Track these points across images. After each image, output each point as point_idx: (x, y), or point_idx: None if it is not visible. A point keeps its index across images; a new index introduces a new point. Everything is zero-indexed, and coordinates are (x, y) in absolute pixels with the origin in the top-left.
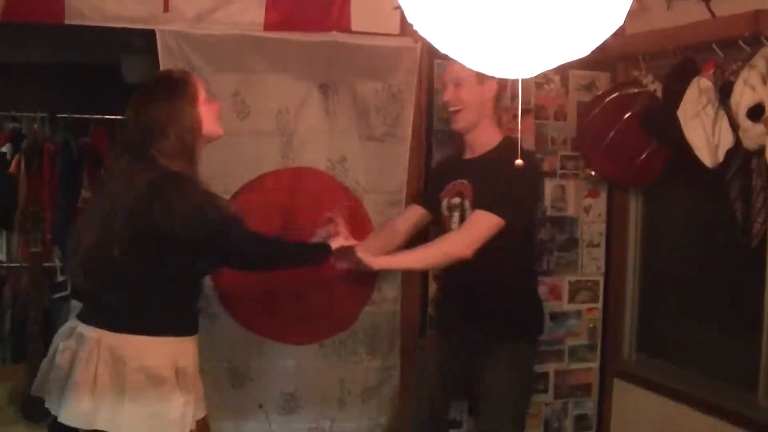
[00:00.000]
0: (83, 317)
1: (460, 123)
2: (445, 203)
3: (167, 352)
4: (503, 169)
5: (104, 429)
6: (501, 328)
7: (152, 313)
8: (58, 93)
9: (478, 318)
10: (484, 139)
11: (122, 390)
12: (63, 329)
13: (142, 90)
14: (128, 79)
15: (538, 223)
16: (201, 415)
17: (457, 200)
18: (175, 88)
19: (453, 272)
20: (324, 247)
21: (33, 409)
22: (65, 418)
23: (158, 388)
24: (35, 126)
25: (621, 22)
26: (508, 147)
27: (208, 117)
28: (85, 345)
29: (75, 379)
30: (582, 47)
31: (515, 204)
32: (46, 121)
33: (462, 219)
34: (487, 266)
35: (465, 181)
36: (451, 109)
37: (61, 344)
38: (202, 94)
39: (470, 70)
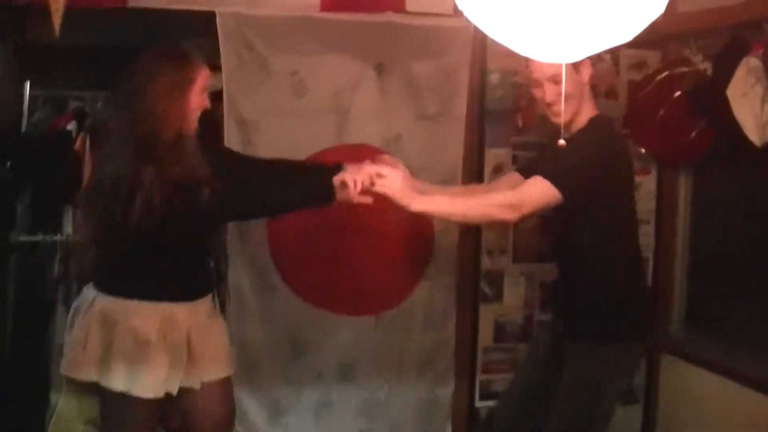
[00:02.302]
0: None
1: (564, 117)
2: None
3: (156, 317)
4: (579, 143)
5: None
6: (579, 324)
7: (144, 278)
8: (121, 72)
9: (563, 308)
10: (580, 120)
11: (110, 348)
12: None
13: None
14: None
15: (630, 214)
16: (204, 378)
17: None
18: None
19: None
20: (323, 184)
21: None
22: (63, 367)
23: (143, 348)
24: (98, 105)
25: (663, 9)
26: (594, 125)
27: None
28: (83, 305)
29: (73, 335)
30: (626, 32)
31: (578, 178)
32: (109, 99)
33: None
34: (578, 252)
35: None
36: (553, 108)
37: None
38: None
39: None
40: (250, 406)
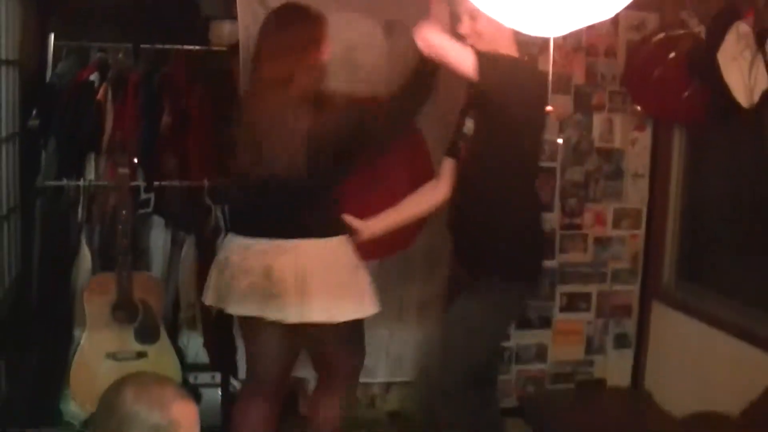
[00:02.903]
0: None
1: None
2: None
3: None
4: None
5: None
6: (467, 261)
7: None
8: (141, 26)
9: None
10: None
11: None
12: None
13: None
14: (206, 11)
15: (529, 158)
16: None
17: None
18: None
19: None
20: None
21: (121, 312)
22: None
23: None
24: (120, 56)
25: None
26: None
27: None
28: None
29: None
30: (608, 9)
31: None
32: (130, 52)
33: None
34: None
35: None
36: (469, 42)
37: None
38: None
39: None
40: None
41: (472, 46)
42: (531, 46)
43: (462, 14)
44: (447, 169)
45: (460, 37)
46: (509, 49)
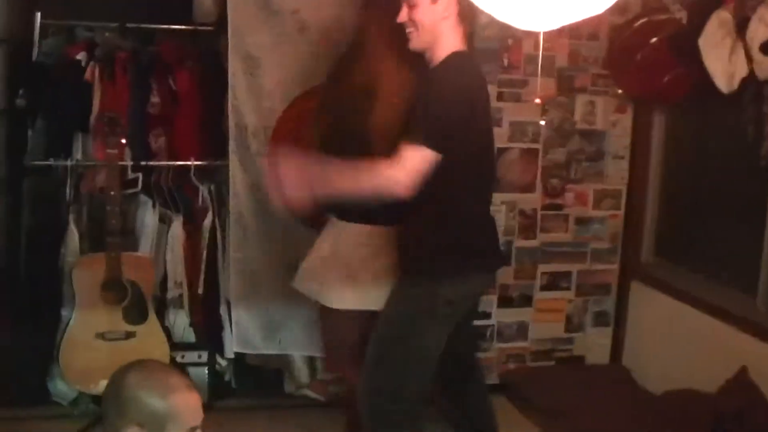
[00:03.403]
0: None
1: (414, 44)
2: None
3: None
4: (429, 89)
5: None
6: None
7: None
8: (128, 4)
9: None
10: (437, 55)
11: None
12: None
13: None
14: None
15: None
16: None
17: None
18: None
19: None
20: None
21: (110, 293)
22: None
23: None
24: (107, 35)
25: None
26: (446, 64)
27: None
28: None
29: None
30: (599, 4)
31: (442, 130)
32: (117, 31)
33: None
34: None
35: None
36: (407, 30)
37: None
38: None
39: None
40: (248, 324)
41: (410, 35)
42: (516, 29)
43: (401, 3)
44: (414, 157)
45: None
46: (450, 38)
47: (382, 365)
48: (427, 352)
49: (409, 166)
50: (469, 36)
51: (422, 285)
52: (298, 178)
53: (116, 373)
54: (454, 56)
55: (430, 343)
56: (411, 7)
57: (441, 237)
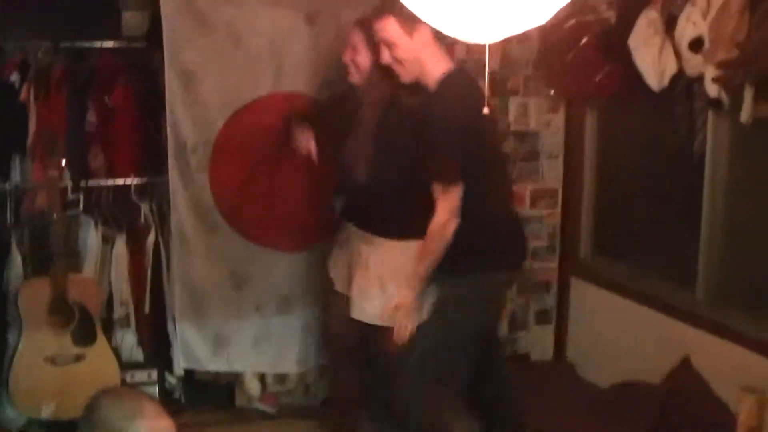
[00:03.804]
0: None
1: (404, 78)
2: None
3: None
4: (435, 116)
5: None
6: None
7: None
8: (60, 22)
9: None
10: (429, 81)
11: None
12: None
13: None
14: (123, 6)
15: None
16: None
17: None
18: None
19: None
20: None
21: (57, 316)
22: None
23: None
24: (39, 54)
25: None
26: (442, 89)
27: None
28: None
29: None
30: (542, 15)
31: (458, 161)
32: (50, 50)
33: None
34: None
35: None
36: (394, 68)
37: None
38: None
39: (394, 25)
40: (195, 341)
41: (396, 73)
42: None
43: (380, 46)
44: (448, 200)
45: (384, 67)
46: (435, 61)
47: (433, 360)
48: (471, 341)
49: (449, 208)
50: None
51: (467, 280)
52: None
53: (91, 398)
54: (447, 80)
55: (474, 331)
56: (390, 47)
57: (473, 236)
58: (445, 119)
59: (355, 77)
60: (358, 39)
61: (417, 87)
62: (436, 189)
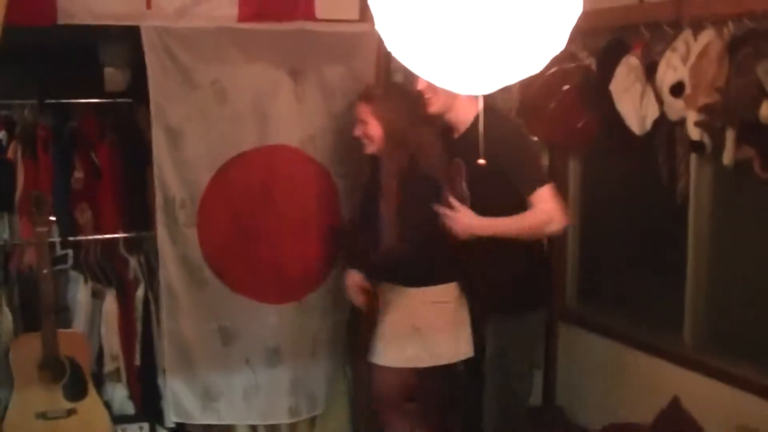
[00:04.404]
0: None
1: (434, 108)
2: None
3: None
4: (508, 138)
5: None
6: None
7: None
8: (44, 80)
9: None
10: (462, 117)
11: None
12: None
13: None
14: (105, 63)
15: None
16: None
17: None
18: None
19: None
20: None
21: (48, 371)
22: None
23: None
24: (25, 113)
25: (564, 44)
26: (489, 117)
27: None
28: None
29: None
30: (535, 64)
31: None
32: (35, 108)
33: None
34: None
35: (458, 160)
36: (426, 96)
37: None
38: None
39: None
40: (184, 395)
41: (429, 100)
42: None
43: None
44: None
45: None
46: (463, 109)
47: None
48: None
49: (553, 201)
50: None
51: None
52: None
53: None
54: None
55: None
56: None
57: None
58: (499, 134)
59: (370, 148)
60: (364, 112)
61: (433, 146)
62: (536, 197)
